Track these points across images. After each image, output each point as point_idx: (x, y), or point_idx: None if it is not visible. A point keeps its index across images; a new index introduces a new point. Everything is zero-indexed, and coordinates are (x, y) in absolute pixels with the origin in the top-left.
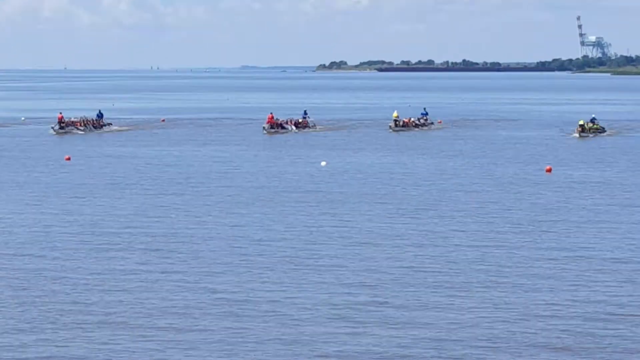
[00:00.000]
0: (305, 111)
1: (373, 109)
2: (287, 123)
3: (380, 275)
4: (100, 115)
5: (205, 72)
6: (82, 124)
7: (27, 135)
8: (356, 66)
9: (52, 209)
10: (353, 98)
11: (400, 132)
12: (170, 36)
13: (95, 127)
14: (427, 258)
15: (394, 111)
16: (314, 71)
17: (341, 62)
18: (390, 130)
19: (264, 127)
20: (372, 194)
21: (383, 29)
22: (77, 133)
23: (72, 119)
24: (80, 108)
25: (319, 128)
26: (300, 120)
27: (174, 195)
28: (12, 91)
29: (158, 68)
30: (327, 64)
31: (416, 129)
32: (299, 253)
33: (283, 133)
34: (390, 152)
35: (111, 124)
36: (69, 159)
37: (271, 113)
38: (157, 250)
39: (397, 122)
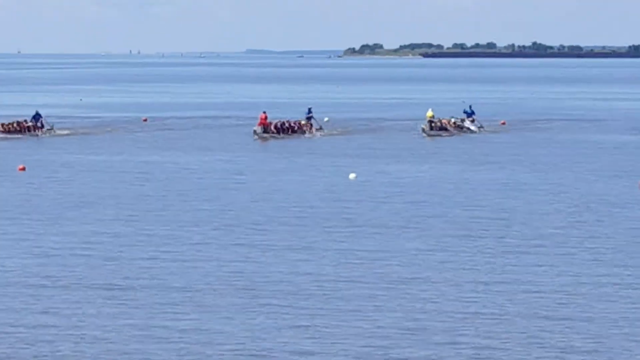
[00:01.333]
0: (309, 109)
1: (411, 106)
2: (282, 125)
3: (430, 325)
4: (37, 117)
5: (201, 57)
6: (6, 129)
7: None
8: (395, 50)
9: (5, 234)
10: (388, 92)
11: (437, 137)
12: (154, 11)
13: (29, 132)
14: (492, 303)
15: (428, 109)
16: (341, 57)
17: (376, 45)
18: (423, 134)
19: (254, 131)
20: (418, 216)
21: (430, 3)
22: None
23: (3, 123)
24: (36, 104)
25: (329, 132)
26: (302, 122)
27: (156, 219)
28: None
29: (139, 52)
30: (357, 47)
31: (457, 132)
32: (325, 296)
33: (281, 139)
34: (430, 161)
35: (52, 128)
36: (23, 169)
37: (264, 112)
38: (130, 297)
39: (433, 124)
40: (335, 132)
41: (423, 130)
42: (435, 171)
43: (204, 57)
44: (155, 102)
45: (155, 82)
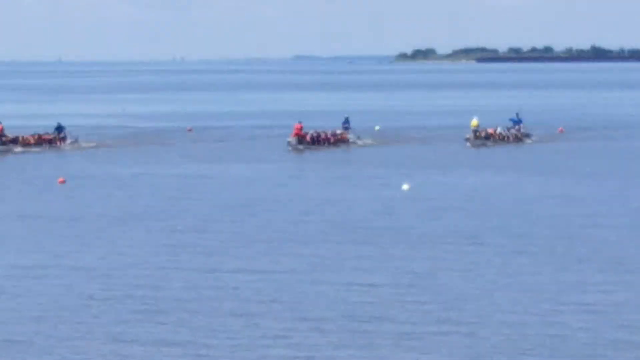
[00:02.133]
0: (347, 119)
1: (464, 114)
2: (318, 136)
3: (495, 344)
4: (60, 129)
5: (247, 64)
6: (36, 141)
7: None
8: (448, 56)
9: (46, 251)
10: (439, 99)
11: (482, 147)
12: (199, 17)
13: (50, 144)
14: (559, 323)
15: (473, 118)
16: (393, 62)
17: (428, 50)
18: (468, 144)
19: (288, 142)
20: (475, 229)
21: (485, 6)
22: (20, 151)
23: (23, 135)
24: (76, 113)
25: (370, 142)
26: (339, 132)
27: (201, 235)
28: None
29: (183, 59)
30: (409, 52)
31: (504, 143)
32: (382, 317)
33: (317, 150)
34: (481, 172)
35: (76, 141)
36: (63, 181)
37: (300, 122)
38: (177, 317)
39: (478, 134)
40: (375, 142)
41: (467, 140)
42: (487, 182)
43: (250, 63)
44: (200, 111)
45: (200, 90)
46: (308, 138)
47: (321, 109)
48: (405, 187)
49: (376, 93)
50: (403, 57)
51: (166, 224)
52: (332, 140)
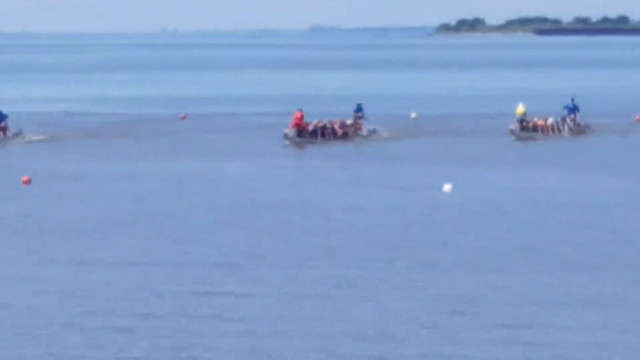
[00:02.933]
0: (359, 106)
1: (515, 99)
2: (323, 127)
3: None
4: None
5: (252, 37)
6: None
7: None
8: (500, 27)
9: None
10: (488, 80)
11: (530, 141)
12: None
13: None
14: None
15: (518, 104)
16: (432, 35)
17: (476, 20)
18: (512, 136)
19: (285, 134)
20: (532, 239)
21: None
22: None
23: None
24: (40, 98)
25: (388, 135)
26: (348, 123)
27: (199, 245)
28: None
29: (175, 31)
30: (453, 23)
31: (557, 135)
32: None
33: (314, 143)
34: (531, 170)
35: (20, 134)
36: (28, 181)
37: (300, 110)
38: (178, 345)
39: (524, 123)
40: (394, 135)
41: (512, 131)
42: (543, 183)
43: (256, 36)
44: (195, 94)
45: (194, 69)
46: (310, 129)
47: (342, 92)
48: (446, 188)
49: (411, 73)
50: (444, 28)
51: (153, 233)
52: (340, 132)
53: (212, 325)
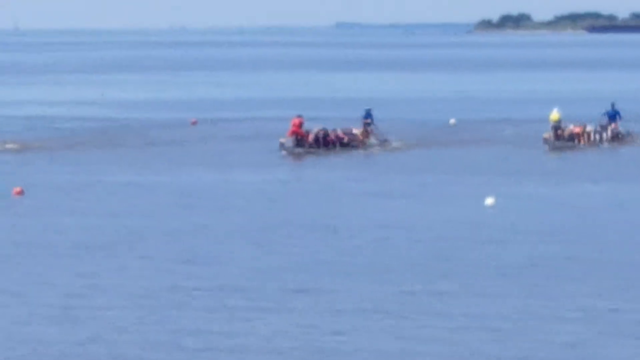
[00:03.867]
0: (368, 112)
1: (558, 103)
2: (325, 136)
3: None
4: None
5: (269, 34)
6: None
7: None
8: (548, 24)
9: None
10: (532, 82)
11: (567, 151)
12: None
13: None
14: None
15: (553, 110)
16: (471, 32)
17: (521, 15)
18: (546, 145)
19: (281, 144)
20: (591, 260)
21: None
22: None
23: None
24: (35, 100)
25: (402, 144)
26: (354, 131)
27: (219, 265)
28: None
29: (183, 27)
30: (494, 19)
31: (595, 145)
32: None
33: (315, 153)
34: (575, 183)
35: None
36: (20, 192)
37: (299, 116)
38: None
39: (559, 132)
40: (406, 144)
41: (545, 140)
42: (584, 196)
43: (274, 32)
44: (208, 97)
45: (206, 69)
46: (311, 138)
47: (369, 95)
48: (489, 201)
49: (447, 74)
50: (486, 25)
51: (159, 251)
52: (345, 140)
53: (230, 354)
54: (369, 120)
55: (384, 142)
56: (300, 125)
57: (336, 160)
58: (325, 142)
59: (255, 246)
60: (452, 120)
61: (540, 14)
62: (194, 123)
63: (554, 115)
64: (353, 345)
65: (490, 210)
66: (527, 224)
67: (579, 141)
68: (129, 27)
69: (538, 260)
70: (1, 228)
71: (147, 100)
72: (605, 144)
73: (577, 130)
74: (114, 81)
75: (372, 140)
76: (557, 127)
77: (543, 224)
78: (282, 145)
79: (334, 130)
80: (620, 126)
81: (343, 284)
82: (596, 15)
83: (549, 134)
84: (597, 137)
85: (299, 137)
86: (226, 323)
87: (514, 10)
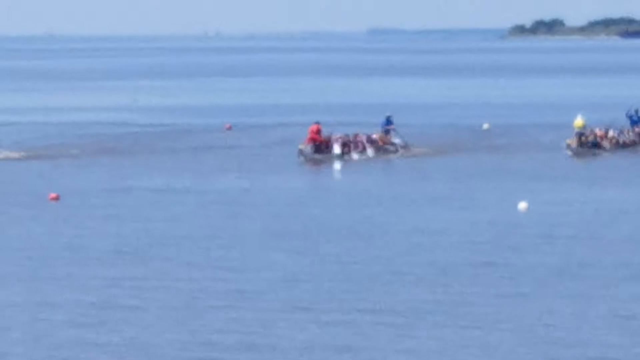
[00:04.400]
0: (388, 118)
1: (592, 108)
2: (345, 142)
3: None
4: None
5: (303, 39)
6: None
7: None
8: (582, 29)
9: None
10: (568, 87)
11: (594, 157)
12: None
13: None
14: None
15: (577, 115)
16: (505, 37)
17: (554, 21)
18: (568, 151)
19: (300, 150)
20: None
21: None
22: None
23: None
24: (64, 107)
25: (422, 150)
26: (374, 137)
27: (253, 271)
28: None
29: (217, 33)
30: (528, 24)
31: (619, 149)
32: None
33: (327, 159)
34: (604, 188)
35: None
36: (56, 197)
37: (317, 123)
38: None
39: (583, 138)
40: (428, 150)
41: (568, 146)
42: (617, 201)
43: (308, 38)
44: (244, 103)
45: (241, 75)
46: (331, 144)
47: (402, 101)
48: (522, 205)
49: (481, 79)
50: (519, 30)
51: (196, 257)
52: (363, 146)
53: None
54: (390, 127)
55: (405, 147)
56: (318, 131)
57: (367, 166)
58: (346, 148)
59: (290, 252)
60: (485, 125)
61: (574, 19)
62: (229, 128)
63: (578, 121)
64: (388, 350)
65: (524, 215)
66: (561, 228)
67: (600, 146)
68: (163, 33)
69: (575, 265)
70: (37, 233)
71: (181, 106)
72: (630, 148)
73: (600, 133)
74: (147, 87)
75: (392, 147)
76: (581, 133)
77: (577, 228)
78: (300, 152)
79: (355, 135)
80: None
81: (378, 289)
82: (630, 21)
83: (571, 140)
84: (617, 140)
85: (318, 144)
86: (261, 326)
87: (547, 16)
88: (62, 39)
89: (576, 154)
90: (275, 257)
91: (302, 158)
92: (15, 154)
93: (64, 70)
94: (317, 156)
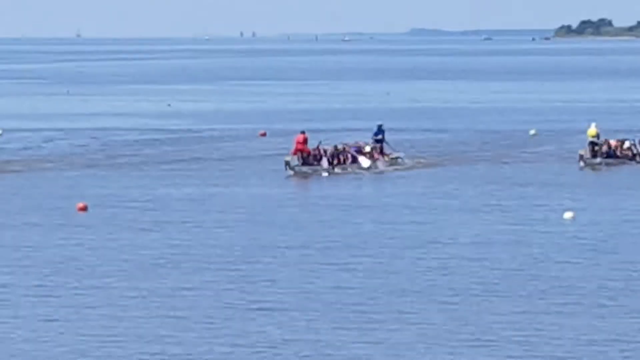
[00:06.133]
0: (379, 127)
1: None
2: (333, 153)
3: None
4: None
5: (344, 40)
6: None
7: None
8: (630, 29)
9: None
10: (616, 91)
11: (602, 169)
12: None
13: None
14: None
15: (591, 124)
16: (549, 38)
17: (602, 21)
18: (581, 163)
19: (287, 163)
20: None
21: None
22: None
23: None
24: (102, 112)
25: (412, 162)
26: (366, 149)
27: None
28: None
29: (254, 35)
30: (574, 25)
31: (629, 161)
32: None
33: (315, 172)
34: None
35: None
36: (84, 208)
37: (304, 132)
38: None
39: (597, 148)
40: (487, 155)
41: (581, 157)
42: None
43: (349, 40)
44: (278, 107)
45: (277, 79)
46: (320, 155)
47: (444, 105)
48: (567, 215)
49: (526, 83)
50: (565, 31)
51: (231, 268)
52: (351, 158)
53: None
54: (380, 137)
55: (394, 160)
56: (305, 141)
57: (402, 174)
58: (334, 160)
59: (326, 264)
60: (532, 131)
61: (622, 20)
62: (263, 135)
63: (591, 130)
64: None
65: (570, 225)
66: (606, 239)
67: (616, 156)
68: (196, 34)
69: (631, 279)
70: (64, 244)
71: (214, 110)
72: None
73: (614, 143)
74: (181, 91)
75: (380, 165)
76: (594, 142)
77: (627, 238)
78: (287, 165)
79: (345, 145)
80: None
81: (419, 304)
82: None
83: (585, 151)
84: (633, 152)
85: (306, 155)
86: (303, 339)
87: (594, 16)
88: (90, 41)
89: (588, 164)
90: (309, 268)
91: (289, 171)
92: (43, 162)
93: (94, 73)
94: (305, 169)
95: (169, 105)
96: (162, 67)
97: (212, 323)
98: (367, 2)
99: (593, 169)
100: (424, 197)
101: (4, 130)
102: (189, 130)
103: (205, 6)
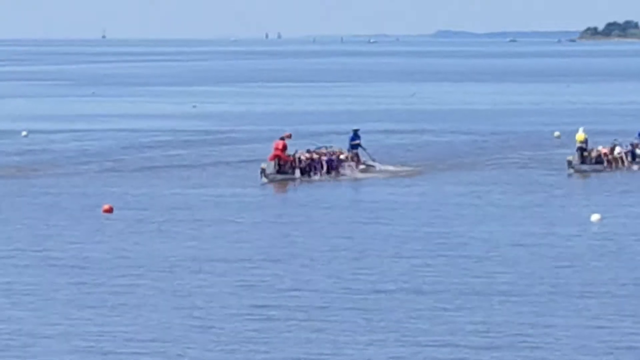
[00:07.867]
0: (355, 132)
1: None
2: (311, 160)
3: None
4: None
5: (370, 42)
6: None
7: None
8: None
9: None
10: (636, 93)
11: (587, 175)
12: None
13: None
14: None
15: (579, 129)
16: (575, 40)
17: (628, 23)
18: (570, 169)
19: (262, 170)
20: None
21: None
22: None
23: None
24: (128, 114)
25: (388, 169)
26: (343, 154)
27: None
28: (9, 81)
29: (279, 36)
30: (600, 27)
31: (620, 169)
32: None
33: (289, 179)
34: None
35: None
36: (109, 210)
37: (282, 138)
38: None
39: (585, 154)
40: (512, 158)
41: (569, 163)
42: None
43: (374, 41)
44: (301, 109)
45: (300, 81)
46: (297, 162)
47: (467, 107)
48: (595, 217)
49: (552, 85)
50: (591, 33)
51: (256, 271)
52: (328, 165)
53: None
54: (357, 142)
55: (369, 167)
56: (284, 148)
57: (426, 177)
58: (310, 168)
59: (358, 265)
60: (556, 133)
61: None
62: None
63: (580, 135)
64: None
65: (597, 227)
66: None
67: (608, 163)
68: (221, 36)
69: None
70: (89, 246)
71: (240, 112)
72: (634, 168)
73: (605, 150)
74: (206, 93)
75: (356, 167)
76: (582, 148)
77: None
78: (262, 172)
79: (319, 150)
80: None
81: (450, 305)
82: None
83: (573, 157)
84: (623, 160)
85: (282, 162)
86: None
87: (620, 18)
88: (115, 42)
89: (577, 171)
90: (342, 275)
91: (264, 179)
92: (69, 164)
93: (120, 74)
94: (280, 177)
95: (195, 106)
96: (187, 69)
97: (234, 324)
98: (393, 4)
99: (582, 176)
100: (451, 199)
101: (30, 131)
102: (215, 132)
103: (231, 8)
